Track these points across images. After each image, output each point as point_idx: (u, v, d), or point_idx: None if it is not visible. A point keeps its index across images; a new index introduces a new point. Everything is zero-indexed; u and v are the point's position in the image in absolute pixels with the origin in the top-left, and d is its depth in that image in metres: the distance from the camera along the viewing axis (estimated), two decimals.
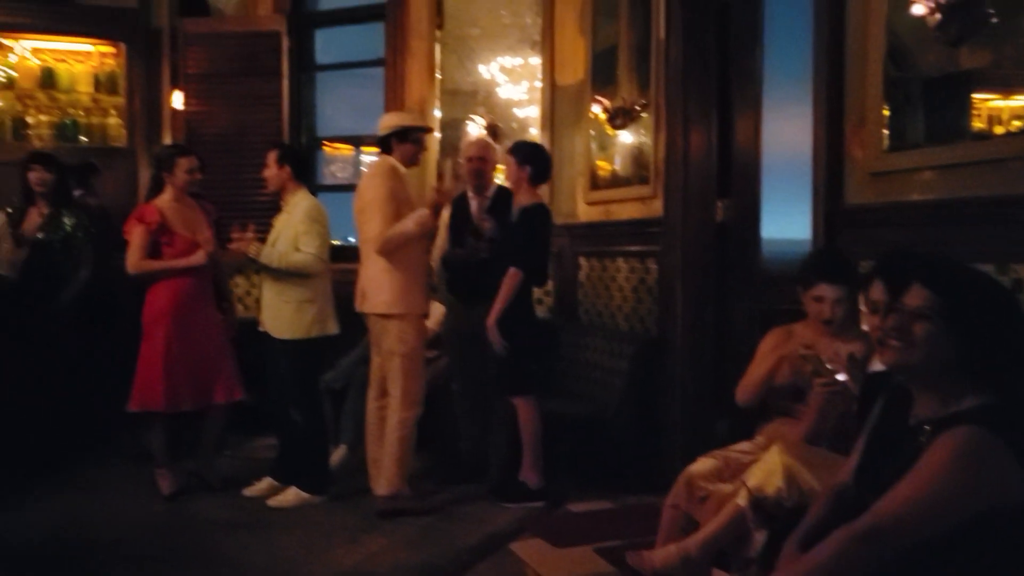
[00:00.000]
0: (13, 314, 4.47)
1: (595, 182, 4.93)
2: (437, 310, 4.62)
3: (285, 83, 5.94)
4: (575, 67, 5.07)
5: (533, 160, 4.15)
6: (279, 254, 4.07)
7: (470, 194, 4.48)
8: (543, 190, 4.47)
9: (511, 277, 4.00)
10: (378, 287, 3.94)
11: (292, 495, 4.11)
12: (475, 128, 5.36)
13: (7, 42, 6.03)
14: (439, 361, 4.64)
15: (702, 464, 2.74)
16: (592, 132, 4.93)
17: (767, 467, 2.40)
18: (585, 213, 5.02)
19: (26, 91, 6.02)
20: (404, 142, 4.03)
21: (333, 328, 4.20)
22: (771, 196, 4.16)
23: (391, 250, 3.89)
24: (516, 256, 4.03)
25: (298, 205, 4.16)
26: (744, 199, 4.21)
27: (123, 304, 4.39)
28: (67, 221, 4.69)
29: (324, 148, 6.47)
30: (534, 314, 4.29)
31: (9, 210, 4.70)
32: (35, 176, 4.66)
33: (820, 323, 2.82)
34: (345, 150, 6.67)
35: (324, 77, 6.38)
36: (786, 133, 4.13)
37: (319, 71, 6.33)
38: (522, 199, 4.14)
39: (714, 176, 4.21)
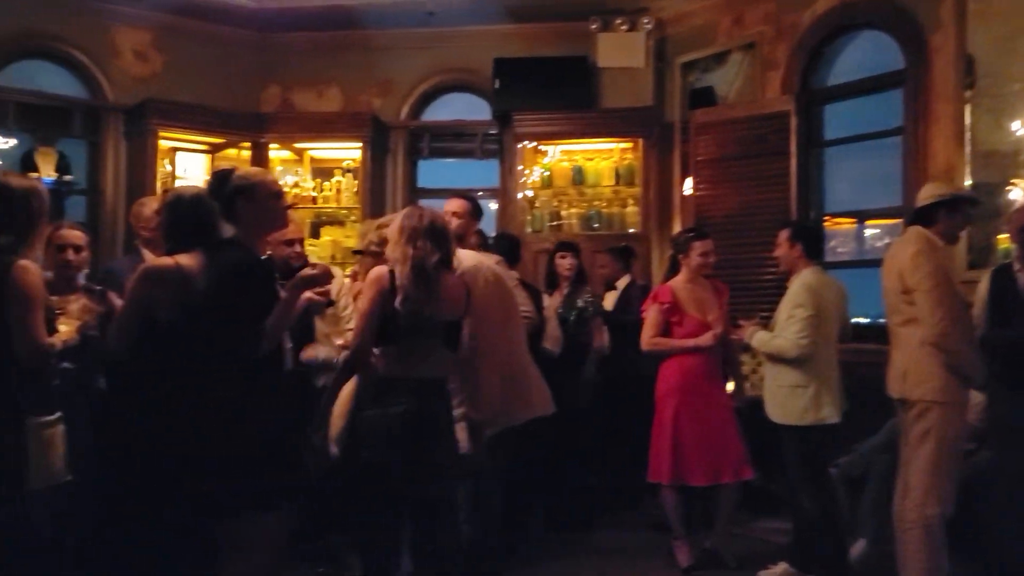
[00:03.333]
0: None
1: None
2: (974, 398, 4.10)
3: (793, 161, 5.92)
4: None
5: None
6: (767, 337, 4.07)
7: (1016, 267, 3.96)
8: None
9: None
10: (926, 372, 3.57)
11: None
12: (1020, 193, 4.73)
13: (543, 147, 7.01)
14: (977, 456, 4.10)
15: None
16: None
17: None
18: None
19: (560, 188, 6.90)
20: (954, 214, 3.70)
21: (831, 416, 4.00)
22: None
23: (956, 347, 3.52)
24: None
25: (792, 288, 4.12)
26: None
27: (648, 378, 4.67)
28: (581, 300, 5.18)
29: (824, 224, 6.28)
30: None
31: (550, 292, 5.35)
32: (565, 263, 5.33)
33: None
34: (846, 225, 6.41)
35: (829, 152, 6.23)
36: None
37: (826, 146, 6.20)
38: None
39: None
